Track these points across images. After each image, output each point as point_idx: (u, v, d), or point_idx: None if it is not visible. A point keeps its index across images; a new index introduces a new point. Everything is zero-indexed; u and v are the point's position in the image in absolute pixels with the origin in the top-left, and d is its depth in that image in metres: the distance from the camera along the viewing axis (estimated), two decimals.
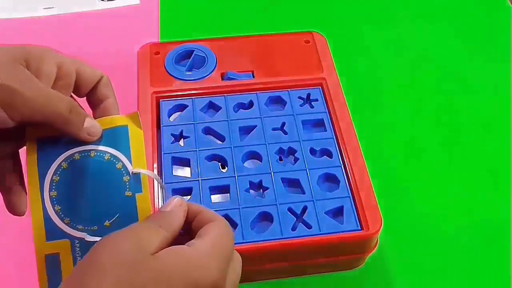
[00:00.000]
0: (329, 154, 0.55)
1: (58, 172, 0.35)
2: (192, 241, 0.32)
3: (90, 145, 0.36)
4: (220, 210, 0.50)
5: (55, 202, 0.35)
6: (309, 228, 0.50)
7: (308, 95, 0.61)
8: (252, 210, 0.51)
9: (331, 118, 0.58)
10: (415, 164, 0.62)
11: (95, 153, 0.36)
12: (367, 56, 0.74)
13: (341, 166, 0.54)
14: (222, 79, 0.62)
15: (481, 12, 0.81)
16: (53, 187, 0.35)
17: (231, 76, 0.62)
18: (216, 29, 0.77)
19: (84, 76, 0.37)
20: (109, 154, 0.36)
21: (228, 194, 0.52)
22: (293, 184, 0.53)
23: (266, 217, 0.51)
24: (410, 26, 0.79)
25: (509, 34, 0.77)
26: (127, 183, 0.35)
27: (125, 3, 0.82)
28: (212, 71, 0.62)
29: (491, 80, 0.72)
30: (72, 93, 0.38)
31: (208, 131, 0.57)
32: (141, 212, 0.35)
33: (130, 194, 0.35)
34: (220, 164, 0.55)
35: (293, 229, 0.50)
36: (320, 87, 0.61)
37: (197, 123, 0.57)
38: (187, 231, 0.35)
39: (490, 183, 0.61)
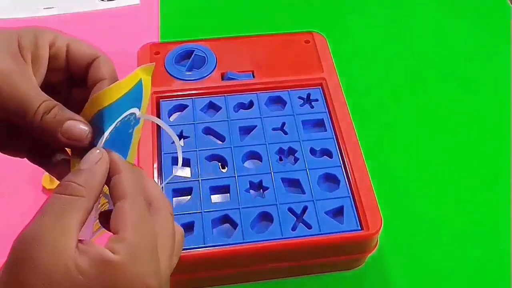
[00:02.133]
0: (329, 154, 0.55)
1: None
2: (112, 245, 0.29)
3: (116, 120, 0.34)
4: (220, 210, 0.51)
5: None
6: (309, 228, 0.50)
7: (308, 95, 0.61)
8: (252, 210, 0.51)
9: (331, 118, 0.58)
10: (415, 164, 0.62)
11: (120, 123, 0.34)
12: (367, 56, 0.74)
13: (341, 166, 0.54)
14: (222, 79, 0.62)
15: (481, 12, 0.81)
16: None
17: (231, 76, 0.62)
18: (216, 29, 0.77)
19: (74, 51, 0.34)
20: (128, 115, 0.34)
21: (228, 194, 0.52)
22: (293, 184, 0.53)
23: (266, 217, 0.51)
24: (410, 27, 0.79)
25: (509, 34, 0.77)
26: (132, 125, 0.35)
27: (125, 3, 0.82)
28: (212, 71, 0.62)
29: (491, 80, 0.71)
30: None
31: (208, 131, 0.57)
32: (134, 142, 0.35)
33: (131, 130, 0.35)
34: (220, 164, 0.55)
35: (293, 229, 0.50)
36: (320, 87, 0.61)
37: (197, 123, 0.57)
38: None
39: (491, 183, 0.61)
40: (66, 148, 0.36)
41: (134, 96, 0.34)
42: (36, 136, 0.33)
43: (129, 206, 0.30)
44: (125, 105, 0.34)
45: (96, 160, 0.31)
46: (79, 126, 0.32)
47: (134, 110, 0.35)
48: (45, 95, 0.32)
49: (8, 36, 0.32)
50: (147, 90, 0.35)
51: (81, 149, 0.33)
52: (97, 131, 0.33)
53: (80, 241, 0.28)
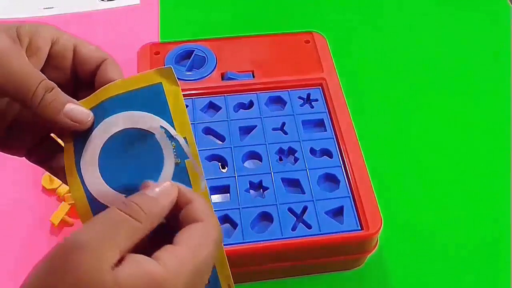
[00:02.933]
0: (329, 154, 0.55)
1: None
2: (161, 253, 0.28)
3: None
4: (220, 210, 0.51)
5: (99, 180, 0.33)
6: (309, 228, 0.50)
7: (308, 95, 0.61)
8: (252, 210, 0.51)
9: (331, 118, 0.58)
10: (415, 164, 0.62)
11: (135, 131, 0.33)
12: (367, 56, 0.74)
13: (341, 166, 0.54)
14: (222, 79, 0.62)
15: (481, 12, 0.81)
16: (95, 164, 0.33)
17: (231, 76, 0.62)
18: (216, 29, 0.77)
19: (82, 53, 0.34)
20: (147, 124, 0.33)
21: (228, 194, 0.52)
22: (293, 184, 0.53)
23: (266, 217, 0.51)
24: (409, 27, 0.79)
25: (509, 34, 0.77)
26: (174, 150, 0.33)
27: (125, 3, 0.82)
28: (212, 71, 0.62)
29: (491, 80, 0.71)
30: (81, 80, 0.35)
31: (208, 131, 0.57)
32: (192, 178, 0.33)
33: (179, 161, 0.33)
34: (220, 164, 0.55)
35: (293, 229, 0.50)
36: (320, 87, 0.61)
37: (197, 123, 0.57)
38: (173, 218, 0.31)
39: (491, 183, 0.61)
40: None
41: (148, 100, 0.33)
42: (36, 119, 0.32)
43: (202, 227, 0.29)
44: (132, 103, 0.33)
45: (167, 192, 0.30)
46: (82, 109, 0.32)
47: (156, 119, 0.33)
48: (43, 75, 0.32)
49: (8, 25, 0.32)
50: (175, 100, 0.33)
51: (77, 133, 0.33)
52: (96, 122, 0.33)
53: (122, 258, 0.27)
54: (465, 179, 0.61)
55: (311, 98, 0.60)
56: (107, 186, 0.33)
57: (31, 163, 0.37)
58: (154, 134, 0.33)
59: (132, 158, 0.33)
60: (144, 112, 0.33)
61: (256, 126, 0.57)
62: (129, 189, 0.32)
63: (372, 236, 0.49)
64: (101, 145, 0.33)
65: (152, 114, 0.33)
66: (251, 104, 0.60)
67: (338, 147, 0.56)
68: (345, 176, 0.53)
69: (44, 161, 0.36)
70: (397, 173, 0.61)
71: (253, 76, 0.63)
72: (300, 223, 0.50)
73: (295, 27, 0.71)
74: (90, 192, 0.33)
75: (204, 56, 0.63)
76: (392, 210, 0.55)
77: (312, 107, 0.60)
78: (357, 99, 0.65)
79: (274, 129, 0.57)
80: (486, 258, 0.55)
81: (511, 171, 0.61)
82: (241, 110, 0.60)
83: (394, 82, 0.71)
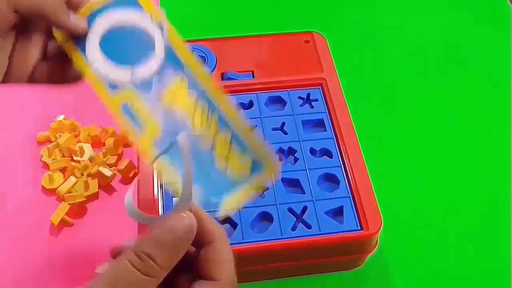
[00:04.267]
0: (329, 154, 0.55)
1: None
2: None
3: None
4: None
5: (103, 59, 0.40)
6: (309, 228, 0.50)
7: (308, 95, 0.61)
8: (252, 210, 0.51)
9: (331, 118, 0.58)
10: (415, 164, 0.62)
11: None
12: (367, 56, 0.74)
13: (341, 166, 0.54)
14: (222, 79, 0.62)
15: (481, 12, 0.81)
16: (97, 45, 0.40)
17: (231, 76, 0.62)
18: (216, 29, 0.77)
19: None
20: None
21: None
22: (293, 184, 0.53)
23: (266, 217, 0.51)
24: (410, 27, 0.79)
25: (509, 34, 0.77)
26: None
27: None
28: (212, 71, 0.62)
29: (491, 80, 0.72)
30: None
31: None
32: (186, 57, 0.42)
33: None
34: None
35: (293, 229, 0.50)
36: (320, 87, 0.61)
37: None
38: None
39: (491, 183, 0.61)
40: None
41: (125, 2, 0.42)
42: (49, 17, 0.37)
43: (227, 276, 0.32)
44: (115, 6, 0.41)
45: (184, 231, 0.29)
46: (80, 16, 0.39)
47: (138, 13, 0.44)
48: None
49: None
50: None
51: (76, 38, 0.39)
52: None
53: None
54: (465, 179, 0.61)
55: (311, 98, 0.60)
56: (110, 62, 0.40)
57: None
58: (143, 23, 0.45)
59: (128, 41, 0.41)
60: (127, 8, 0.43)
61: (256, 126, 0.57)
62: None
63: (372, 236, 0.49)
64: (101, 34, 0.40)
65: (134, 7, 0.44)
66: (251, 104, 0.60)
67: (338, 147, 0.56)
68: (345, 176, 0.53)
69: (53, 73, 0.40)
70: (397, 173, 0.61)
71: (253, 76, 0.63)
72: (300, 223, 0.50)
73: (295, 27, 0.71)
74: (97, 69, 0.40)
75: (204, 56, 0.64)
76: (392, 210, 0.55)
77: (312, 107, 0.60)
78: (357, 99, 0.65)
79: (274, 129, 0.57)
80: (486, 258, 0.55)
81: (511, 171, 0.61)
82: (241, 110, 0.60)
83: (394, 82, 0.71)
